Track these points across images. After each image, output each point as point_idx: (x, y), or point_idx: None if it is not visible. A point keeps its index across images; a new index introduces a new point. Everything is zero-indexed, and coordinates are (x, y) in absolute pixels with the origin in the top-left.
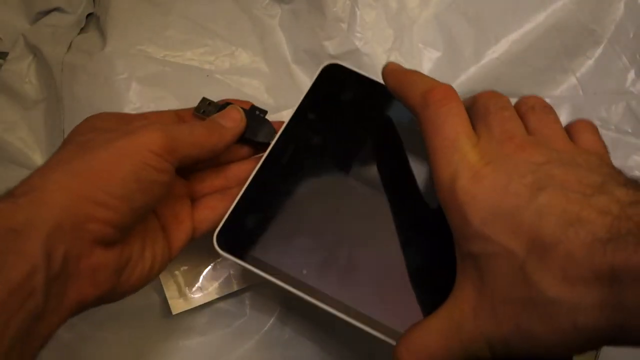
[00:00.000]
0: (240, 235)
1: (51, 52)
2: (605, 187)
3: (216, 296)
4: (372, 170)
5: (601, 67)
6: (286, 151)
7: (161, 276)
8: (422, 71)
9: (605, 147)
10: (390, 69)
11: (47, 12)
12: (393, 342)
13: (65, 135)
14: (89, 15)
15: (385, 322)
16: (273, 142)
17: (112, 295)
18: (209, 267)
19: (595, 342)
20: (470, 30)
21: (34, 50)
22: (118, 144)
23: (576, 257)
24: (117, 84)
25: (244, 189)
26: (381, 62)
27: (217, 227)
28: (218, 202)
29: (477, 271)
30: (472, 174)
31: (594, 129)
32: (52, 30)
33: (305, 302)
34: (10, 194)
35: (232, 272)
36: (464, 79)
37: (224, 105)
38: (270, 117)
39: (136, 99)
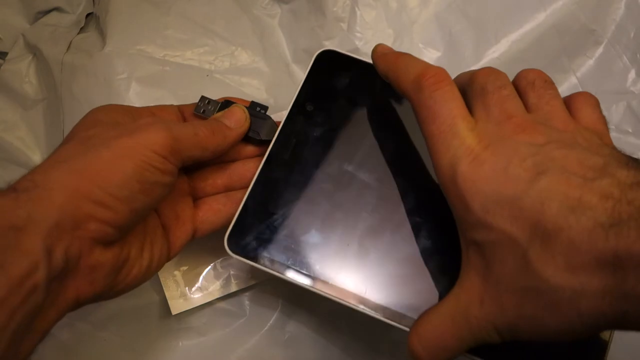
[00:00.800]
0: (251, 236)
1: (51, 51)
2: (607, 169)
3: (216, 296)
4: (376, 156)
5: (601, 67)
6: (288, 146)
7: (161, 276)
8: None
9: (605, 122)
10: (380, 52)
11: (47, 12)
12: (407, 329)
13: (65, 135)
14: (89, 14)
15: (399, 309)
16: (274, 138)
17: (108, 293)
18: (209, 267)
19: (600, 327)
20: (470, 30)
21: (34, 50)
22: (121, 143)
23: (578, 244)
24: (116, 84)
25: (249, 189)
26: None
27: (218, 228)
28: (221, 204)
29: (482, 259)
30: (471, 159)
31: (595, 103)
32: (51, 30)
33: (322, 298)
34: (13, 189)
35: (232, 272)
36: None
37: (225, 103)
38: (270, 116)
39: (136, 99)
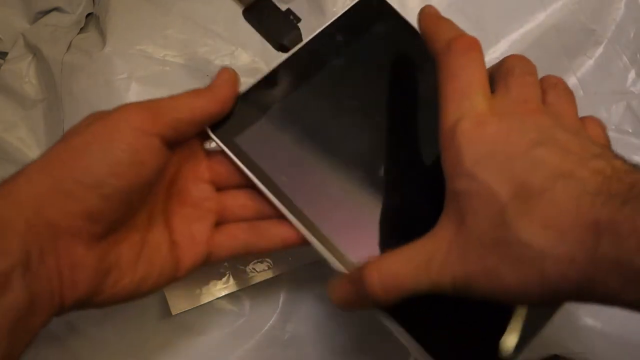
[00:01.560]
0: (235, 125)
1: (51, 52)
2: (604, 155)
3: (216, 296)
4: (381, 103)
5: (601, 67)
6: (305, 64)
7: None
8: None
9: (610, 144)
10: (427, 12)
11: (47, 12)
12: (345, 271)
13: None
14: (89, 15)
15: (346, 251)
16: (296, 49)
17: (94, 299)
18: (209, 267)
19: (559, 294)
20: (470, 30)
21: (34, 50)
22: (92, 128)
23: (560, 206)
24: (116, 84)
25: (256, 82)
26: None
27: (234, 256)
28: (241, 230)
29: (459, 209)
30: (477, 120)
31: (603, 127)
32: (51, 30)
33: (275, 208)
34: None
35: (232, 272)
36: None
37: None
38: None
39: (136, 99)
